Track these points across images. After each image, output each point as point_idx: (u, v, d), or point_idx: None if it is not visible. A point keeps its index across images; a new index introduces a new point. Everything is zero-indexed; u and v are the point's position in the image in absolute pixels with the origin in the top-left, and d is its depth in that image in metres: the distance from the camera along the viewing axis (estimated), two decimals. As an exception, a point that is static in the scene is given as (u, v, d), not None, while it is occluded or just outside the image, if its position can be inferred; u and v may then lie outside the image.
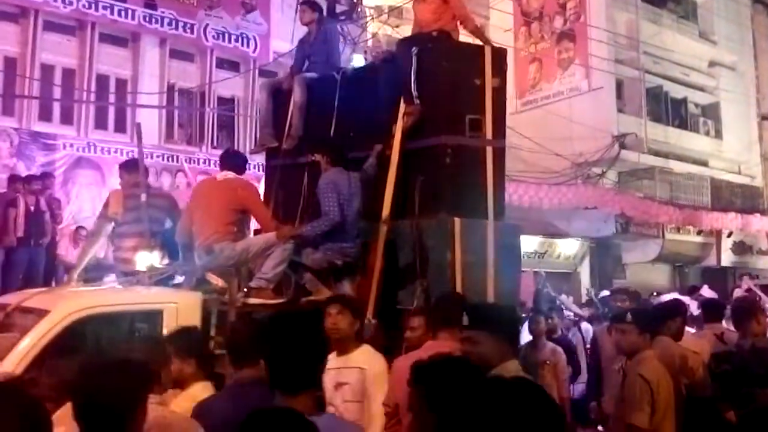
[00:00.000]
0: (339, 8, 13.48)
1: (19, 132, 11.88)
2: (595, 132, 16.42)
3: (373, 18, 14.91)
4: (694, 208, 17.35)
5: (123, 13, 12.88)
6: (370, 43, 14.06)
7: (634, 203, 16.24)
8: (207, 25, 13.77)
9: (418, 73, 5.20)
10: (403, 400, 2.93)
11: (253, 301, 4.83)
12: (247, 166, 5.74)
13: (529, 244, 16.01)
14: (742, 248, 19.34)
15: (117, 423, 2.07)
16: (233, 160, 5.58)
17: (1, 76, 12.24)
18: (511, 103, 18.37)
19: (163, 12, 13.26)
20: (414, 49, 5.25)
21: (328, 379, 3.68)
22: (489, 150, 5.17)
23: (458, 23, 5.75)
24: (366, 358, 3.95)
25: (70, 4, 12.34)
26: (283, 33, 14.09)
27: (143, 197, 5.60)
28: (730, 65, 20.80)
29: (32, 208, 8.82)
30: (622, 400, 4.05)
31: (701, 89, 20.52)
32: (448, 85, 5.23)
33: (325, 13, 12.30)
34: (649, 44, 18.12)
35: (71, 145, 12.23)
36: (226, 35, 14.05)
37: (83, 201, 11.93)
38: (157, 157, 12.94)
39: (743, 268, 18.22)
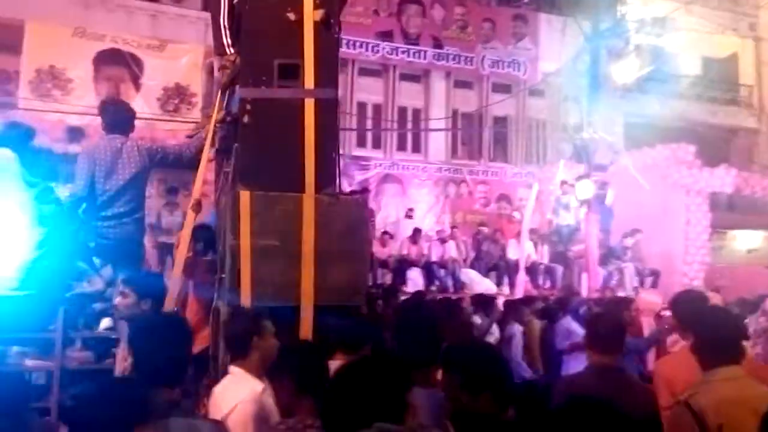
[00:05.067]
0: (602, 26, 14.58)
1: (342, 156, 14.93)
2: None
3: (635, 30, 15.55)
4: None
5: (417, 54, 15.71)
6: (633, 55, 14.79)
7: None
8: (484, 56, 16.12)
9: (230, 15, 4.15)
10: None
11: None
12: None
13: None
14: None
15: None
16: None
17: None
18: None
19: (448, 50, 15.88)
20: None
21: None
22: (309, 103, 3.91)
23: None
24: None
25: (377, 52, 15.35)
26: (550, 55, 15.81)
27: None
28: None
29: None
30: None
31: None
32: (250, 24, 4.02)
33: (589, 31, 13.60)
34: None
35: (380, 165, 15.24)
36: (500, 63, 16.28)
37: (389, 209, 14.75)
38: (445, 170, 15.69)
39: None
